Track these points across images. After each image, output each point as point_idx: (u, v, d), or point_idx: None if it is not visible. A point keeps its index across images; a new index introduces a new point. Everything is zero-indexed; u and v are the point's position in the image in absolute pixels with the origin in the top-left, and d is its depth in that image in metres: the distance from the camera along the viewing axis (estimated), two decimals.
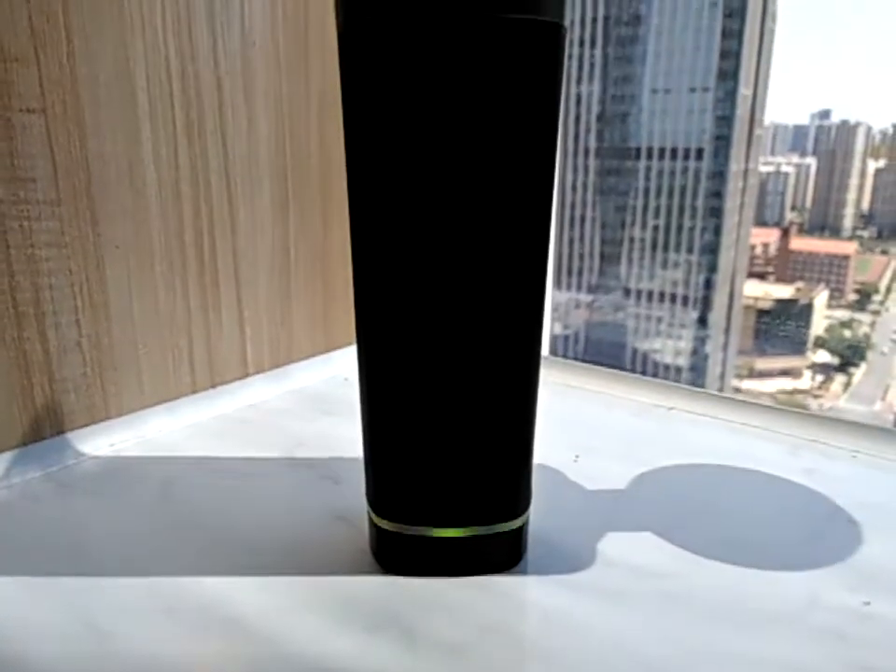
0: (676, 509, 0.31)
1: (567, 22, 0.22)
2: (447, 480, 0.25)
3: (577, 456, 0.36)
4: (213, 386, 0.41)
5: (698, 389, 0.43)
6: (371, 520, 0.27)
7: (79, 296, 0.35)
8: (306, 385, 0.46)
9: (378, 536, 0.26)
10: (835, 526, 0.30)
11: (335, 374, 0.48)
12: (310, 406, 0.43)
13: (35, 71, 0.31)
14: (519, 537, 0.26)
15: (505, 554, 0.26)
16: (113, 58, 0.34)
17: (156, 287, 0.38)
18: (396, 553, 0.26)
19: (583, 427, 0.41)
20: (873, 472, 0.35)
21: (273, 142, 0.42)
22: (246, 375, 0.43)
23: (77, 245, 0.34)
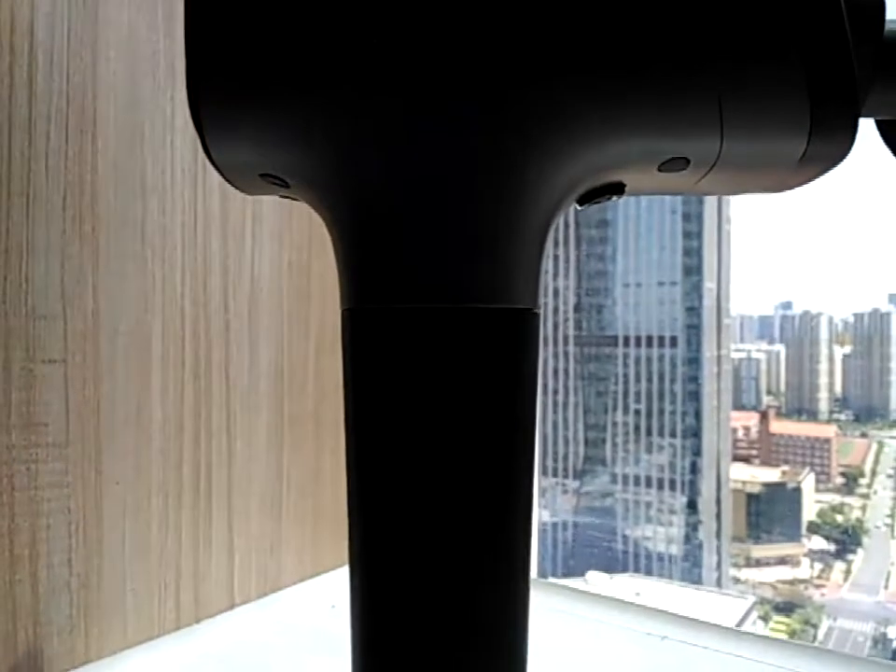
0: None
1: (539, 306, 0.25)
2: None
3: None
4: (197, 621, 0.40)
5: (691, 618, 0.42)
6: None
7: (75, 535, 0.35)
8: (292, 615, 0.45)
9: None
10: None
11: (322, 601, 0.47)
12: (295, 642, 0.42)
13: (62, 326, 0.34)
14: None
15: None
16: (133, 310, 0.37)
17: (150, 521, 0.38)
18: None
19: (570, 663, 0.40)
20: None
21: (272, 375, 0.45)
22: (233, 606, 0.42)
23: (78, 485, 0.35)
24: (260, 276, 0.44)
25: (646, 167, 0.25)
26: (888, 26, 0.26)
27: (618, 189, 0.26)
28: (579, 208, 0.27)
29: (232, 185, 0.26)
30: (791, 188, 0.26)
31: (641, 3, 0.22)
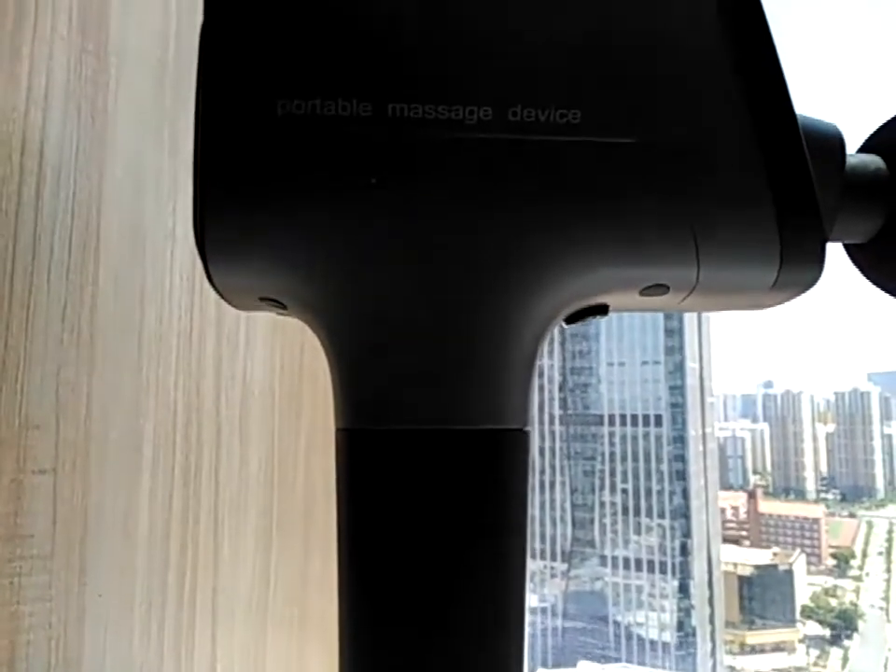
0: None
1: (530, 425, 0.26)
2: None
3: None
4: None
5: None
6: None
7: (55, 652, 0.34)
8: None
9: None
10: None
11: None
12: None
13: (54, 435, 0.35)
14: None
15: None
16: (126, 417, 0.38)
17: (132, 632, 0.37)
18: None
19: None
20: None
21: (262, 477, 0.45)
22: None
23: (61, 599, 0.34)
24: (253, 379, 0.44)
25: (628, 292, 0.26)
26: (848, 159, 0.28)
27: (602, 310, 0.27)
28: (565, 326, 0.28)
29: (229, 304, 0.27)
30: (768, 307, 0.28)
31: (616, 160, 0.24)
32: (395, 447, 0.24)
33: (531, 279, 0.24)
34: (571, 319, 0.27)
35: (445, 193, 0.23)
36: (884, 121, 0.30)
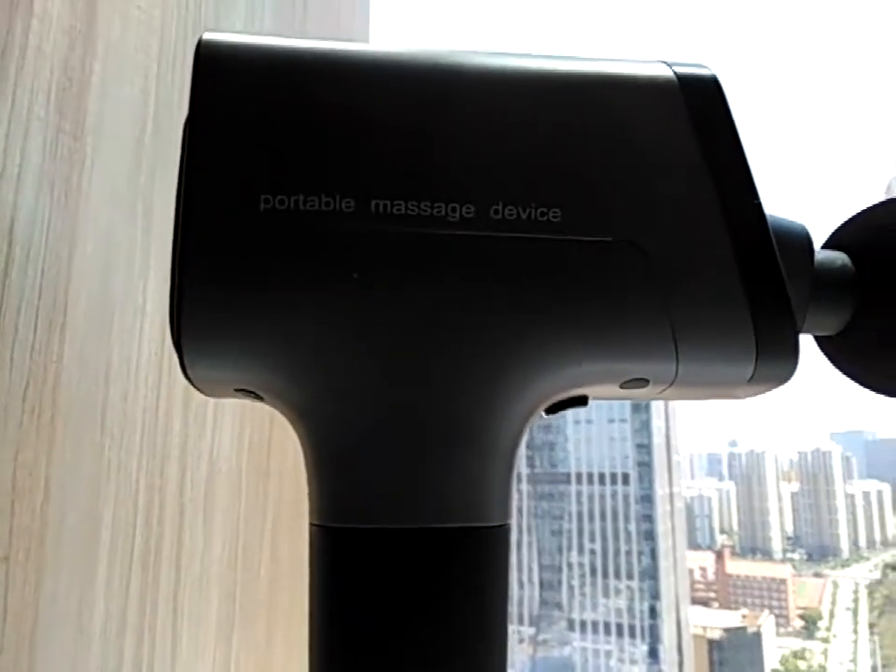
0: None
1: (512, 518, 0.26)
2: None
3: None
4: None
5: None
6: None
7: None
8: None
9: None
10: None
11: None
12: None
13: (8, 521, 0.33)
14: None
15: None
16: (84, 501, 0.36)
17: None
18: None
19: None
20: None
21: (225, 561, 0.43)
22: None
23: None
24: (220, 456, 0.43)
25: (609, 386, 0.26)
26: (816, 255, 0.29)
27: (582, 401, 0.27)
28: (544, 416, 0.28)
29: (201, 393, 0.27)
30: (747, 397, 0.28)
31: (596, 259, 0.24)
32: (374, 546, 0.23)
33: (512, 377, 0.24)
34: (551, 410, 0.27)
35: (429, 291, 0.23)
36: (845, 219, 0.31)
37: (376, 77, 0.25)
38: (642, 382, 0.25)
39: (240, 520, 0.44)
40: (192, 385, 0.25)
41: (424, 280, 0.23)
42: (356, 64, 0.25)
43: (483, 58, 0.25)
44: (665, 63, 0.27)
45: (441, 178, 0.24)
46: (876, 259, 0.29)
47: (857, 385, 0.31)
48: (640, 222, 0.24)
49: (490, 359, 0.24)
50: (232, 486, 0.44)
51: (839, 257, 0.30)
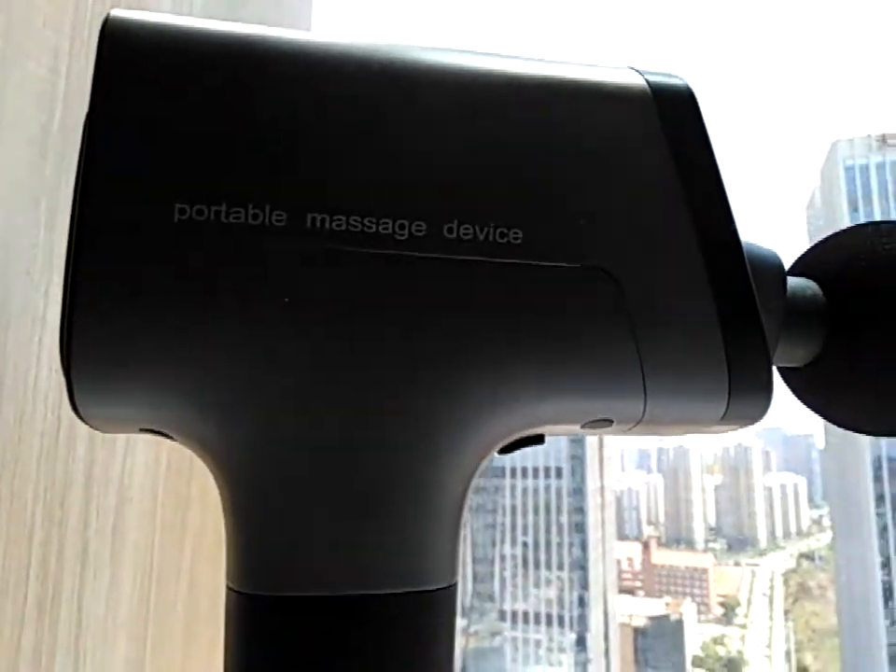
0: None
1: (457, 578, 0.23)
2: None
3: None
4: None
5: None
6: None
7: None
8: None
9: None
10: None
11: None
12: None
13: None
14: None
15: None
16: None
17: None
18: None
19: None
20: None
21: (135, 600, 0.39)
22: None
23: None
24: (132, 483, 0.39)
25: (569, 426, 0.24)
26: (788, 286, 0.27)
27: (538, 439, 0.25)
28: (497, 455, 0.25)
29: (98, 430, 0.23)
30: (718, 433, 0.26)
31: (559, 286, 0.22)
32: (300, 615, 0.20)
33: (460, 421, 0.21)
34: (504, 450, 0.24)
35: (368, 320, 0.20)
36: (813, 244, 0.29)
37: (317, 71, 0.21)
38: (605, 422, 0.23)
39: (154, 551, 0.40)
40: (84, 422, 0.21)
41: (363, 308, 0.20)
42: (293, 56, 0.21)
43: (441, 55, 0.22)
44: (635, 70, 0.24)
45: (387, 192, 0.21)
46: (848, 289, 0.27)
47: (821, 418, 0.29)
48: (611, 247, 0.22)
49: (441, 401, 0.21)
50: (145, 515, 0.39)
51: (809, 285, 0.28)
